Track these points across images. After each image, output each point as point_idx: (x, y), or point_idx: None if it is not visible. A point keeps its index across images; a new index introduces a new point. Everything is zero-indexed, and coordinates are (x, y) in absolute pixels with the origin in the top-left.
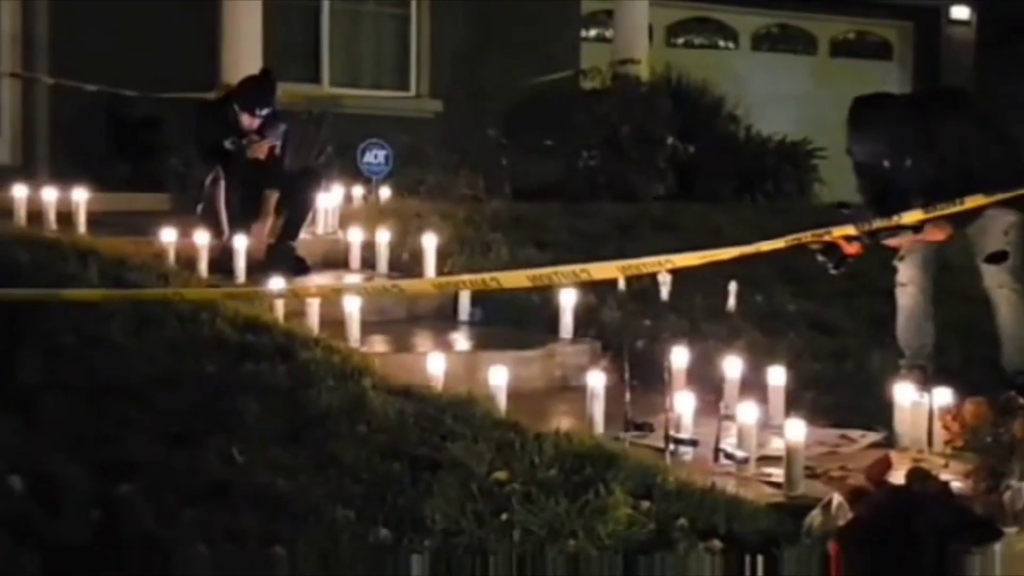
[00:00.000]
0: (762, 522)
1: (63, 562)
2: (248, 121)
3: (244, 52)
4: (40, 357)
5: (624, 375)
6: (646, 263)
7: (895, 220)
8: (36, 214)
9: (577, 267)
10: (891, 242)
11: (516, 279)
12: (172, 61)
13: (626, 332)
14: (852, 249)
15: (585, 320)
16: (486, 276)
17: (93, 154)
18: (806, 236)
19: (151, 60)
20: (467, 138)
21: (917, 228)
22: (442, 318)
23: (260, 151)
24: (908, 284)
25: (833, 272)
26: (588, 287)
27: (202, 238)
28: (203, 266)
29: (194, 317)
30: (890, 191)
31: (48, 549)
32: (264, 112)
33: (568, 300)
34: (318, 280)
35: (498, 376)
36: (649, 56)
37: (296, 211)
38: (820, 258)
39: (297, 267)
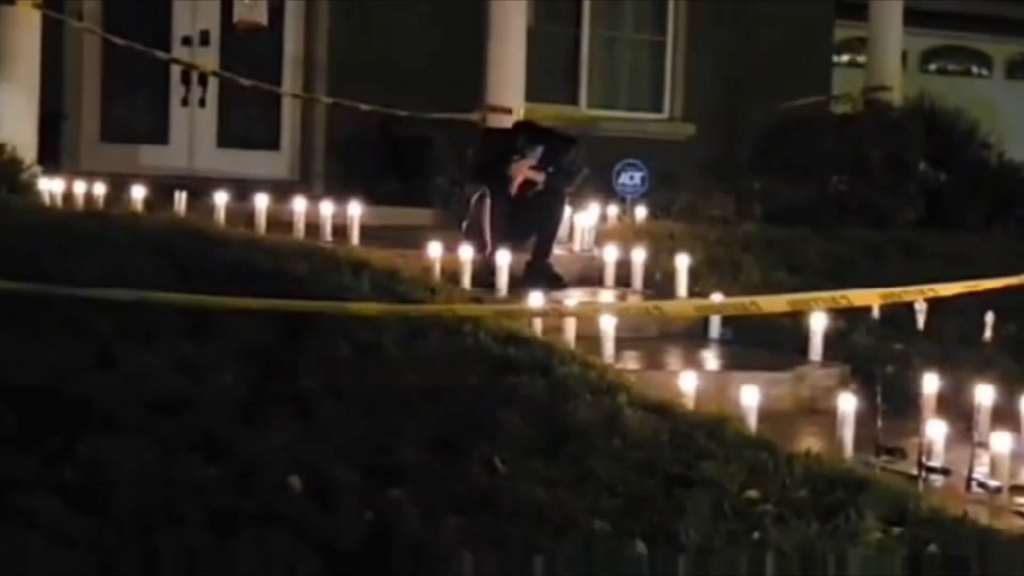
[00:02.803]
0: (1018, 555)
1: (340, 564)
2: (533, 159)
3: (508, 76)
4: (319, 364)
5: (875, 399)
6: (908, 291)
7: None
8: (313, 226)
9: (837, 293)
10: None
11: (776, 304)
12: (440, 84)
13: (877, 357)
14: None
15: (835, 343)
16: (746, 300)
17: (365, 170)
18: None
19: (420, 83)
20: (719, 160)
21: None
22: (693, 337)
23: (520, 172)
24: None
25: None
26: (839, 311)
27: (466, 253)
28: (466, 280)
29: (459, 329)
30: None
31: (324, 549)
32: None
33: (819, 323)
34: (575, 296)
35: (749, 396)
36: (902, 82)
37: (546, 228)
38: None
39: (555, 283)
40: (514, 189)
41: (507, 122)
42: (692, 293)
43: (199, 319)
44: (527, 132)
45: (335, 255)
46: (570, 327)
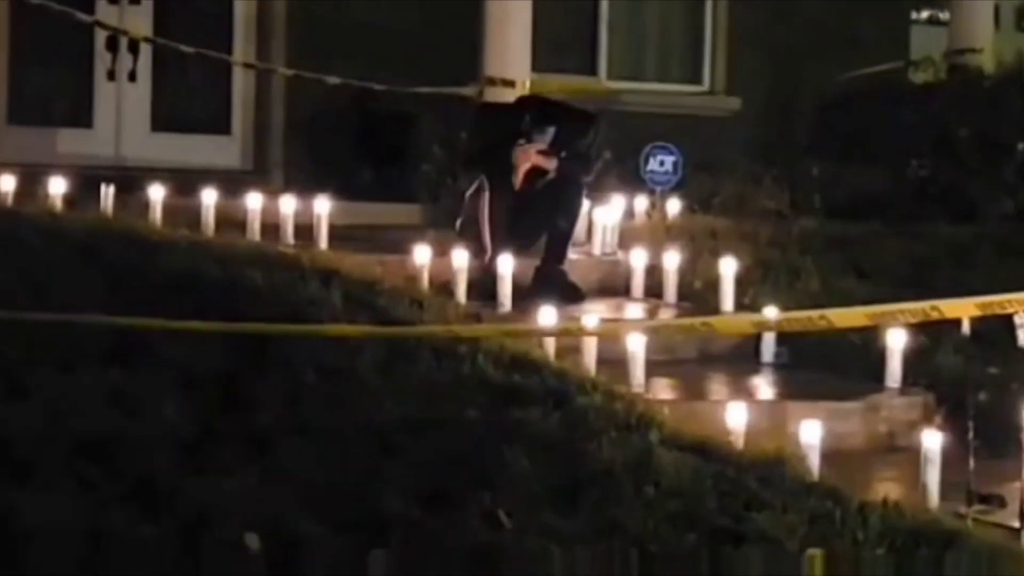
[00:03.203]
0: None
1: None
2: (545, 140)
3: (511, 41)
4: (279, 394)
5: (966, 434)
6: (1011, 300)
7: None
8: (271, 227)
9: (926, 304)
10: None
11: (851, 317)
12: (427, 50)
13: (968, 382)
14: None
15: (916, 366)
16: (814, 314)
17: (335, 157)
18: None
19: (403, 49)
20: (770, 141)
21: None
22: (741, 359)
23: (527, 156)
24: None
25: None
26: (919, 326)
27: (461, 258)
28: (461, 291)
29: (452, 352)
30: None
31: None
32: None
33: (896, 341)
34: (595, 310)
35: (811, 432)
36: (994, 44)
37: (560, 227)
38: None
39: (569, 294)
40: (519, 180)
41: (509, 97)
42: (739, 306)
43: (132, 340)
44: (535, 109)
45: (299, 262)
46: (590, 348)
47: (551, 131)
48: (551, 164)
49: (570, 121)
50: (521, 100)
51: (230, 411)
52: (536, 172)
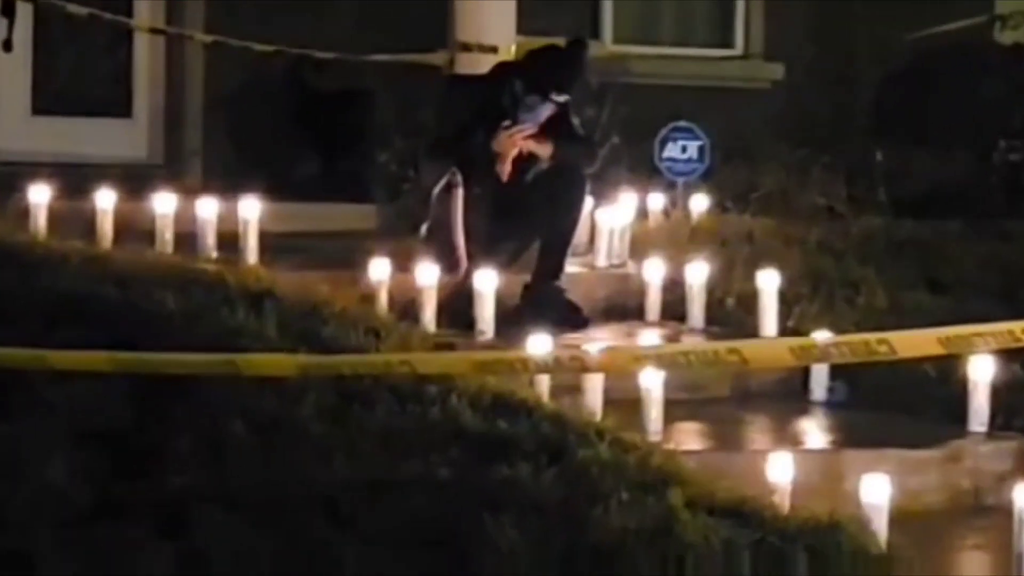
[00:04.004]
0: None
1: None
2: (534, 105)
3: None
4: (198, 451)
5: None
6: None
7: None
8: (186, 236)
9: (1017, 325)
10: None
11: (919, 342)
12: (384, 10)
13: None
14: None
15: (1008, 404)
16: (871, 338)
17: (267, 146)
18: None
19: (352, 7)
20: (821, 120)
21: None
22: (785, 397)
23: (513, 142)
24: None
25: None
26: (1010, 353)
27: (428, 273)
28: (429, 315)
29: (418, 393)
30: None
31: None
32: (564, 98)
33: (982, 373)
34: (600, 337)
35: (875, 489)
36: None
37: (555, 233)
38: None
39: (568, 317)
40: (505, 172)
41: (489, 66)
42: (784, 330)
43: (8, 382)
44: (522, 78)
45: (222, 281)
46: (594, 386)
47: (544, 108)
48: (545, 150)
49: (568, 90)
50: (502, 67)
51: (135, 473)
52: (525, 160)
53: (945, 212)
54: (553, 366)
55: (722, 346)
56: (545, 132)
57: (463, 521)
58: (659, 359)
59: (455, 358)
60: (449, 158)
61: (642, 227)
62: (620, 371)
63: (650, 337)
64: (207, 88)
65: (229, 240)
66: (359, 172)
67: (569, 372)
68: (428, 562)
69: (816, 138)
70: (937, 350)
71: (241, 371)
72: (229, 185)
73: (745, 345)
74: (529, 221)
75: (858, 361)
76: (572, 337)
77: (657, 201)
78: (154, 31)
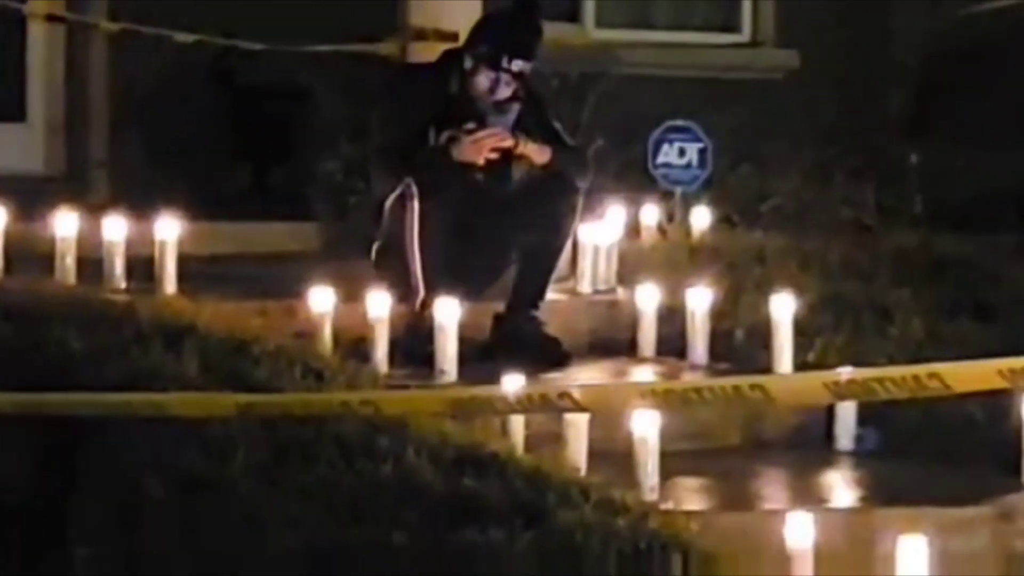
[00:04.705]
0: None
1: None
2: (489, 84)
3: None
4: (106, 518)
5: None
6: None
7: None
8: (91, 261)
9: None
10: None
11: (976, 376)
12: None
13: None
14: None
15: None
16: (919, 371)
17: (188, 155)
18: None
19: None
20: (845, 116)
21: None
22: (805, 445)
23: (475, 150)
24: None
25: None
26: None
27: (380, 303)
28: (380, 353)
29: (369, 447)
30: None
31: None
32: (520, 67)
33: None
34: (583, 377)
35: (914, 553)
36: None
37: (541, 253)
38: None
39: (546, 353)
40: (474, 168)
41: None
42: (803, 366)
43: None
44: (468, 52)
45: (134, 315)
46: (577, 434)
47: (515, 107)
48: (542, 156)
49: (526, 54)
50: (451, 52)
51: (28, 545)
52: (497, 165)
53: (994, 224)
54: (539, 404)
55: (743, 381)
56: (516, 132)
57: None
58: (667, 396)
59: (426, 397)
60: (401, 167)
61: (633, 246)
62: (618, 411)
63: (645, 375)
64: (115, 86)
65: (143, 266)
66: (297, 184)
67: (558, 411)
68: None
69: (839, 138)
70: (997, 384)
71: (169, 412)
72: (142, 201)
73: (770, 380)
74: (504, 240)
75: (899, 398)
76: (551, 377)
77: (651, 215)
78: (51, 18)
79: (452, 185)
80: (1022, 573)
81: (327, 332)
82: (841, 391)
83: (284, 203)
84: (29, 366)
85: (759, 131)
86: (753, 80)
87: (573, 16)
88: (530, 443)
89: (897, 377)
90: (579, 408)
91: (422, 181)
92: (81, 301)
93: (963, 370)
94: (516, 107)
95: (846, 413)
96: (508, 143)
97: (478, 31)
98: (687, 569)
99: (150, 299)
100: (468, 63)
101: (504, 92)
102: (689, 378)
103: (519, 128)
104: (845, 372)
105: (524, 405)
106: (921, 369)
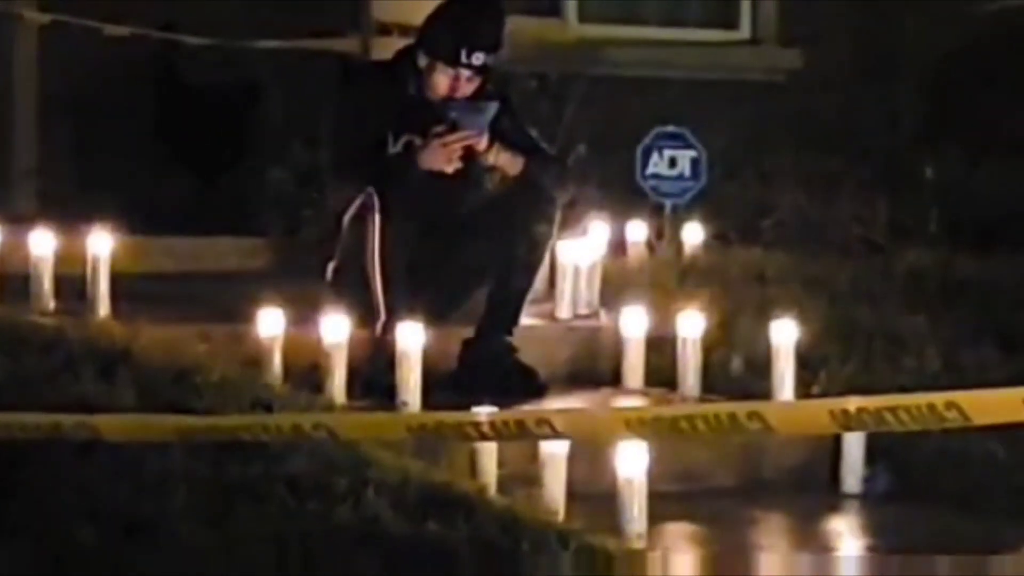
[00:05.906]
0: None
1: None
2: (448, 83)
3: None
4: (33, 567)
5: None
6: None
7: None
8: (16, 280)
9: None
10: None
11: (1000, 406)
12: None
13: None
14: None
15: None
16: (936, 399)
17: (123, 162)
18: None
19: None
20: (854, 122)
21: None
22: (808, 487)
23: (444, 156)
24: None
25: None
26: None
27: (337, 327)
28: (338, 382)
29: (322, 487)
30: None
31: None
32: (481, 60)
33: None
34: (562, 406)
35: None
36: None
37: (510, 277)
38: None
39: (521, 383)
40: (442, 178)
41: None
42: (804, 398)
43: None
44: (422, 47)
45: (63, 339)
46: (556, 474)
47: (492, 106)
48: (515, 165)
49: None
50: (407, 48)
51: None
52: (468, 174)
53: (1018, 243)
54: (514, 432)
55: (741, 408)
56: (490, 136)
57: None
58: (656, 425)
59: (385, 421)
60: (361, 176)
61: (619, 266)
62: (603, 439)
63: (630, 405)
64: (43, 86)
65: (73, 285)
66: (245, 194)
67: (535, 439)
68: None
69: (847, 146)
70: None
71: (102, 435)
72: (73, 214)
73: (770, 408)
74: (474, 258)
75: (913, 430)
76: (528, 406)
77: (638, 231)
78: None
79: (417, 197)
80: None
81: (277, 360)
82: (849, 421)
83: (230, 216)
84: None
85: (758, 139)
86: (753, 82)
87: (554, 10)
88: (503, 483)
89: (911, 406)
90: (559, 436)
91: (384, 192)
92: (5, 323)
93: (985, 399)
94: (493, 106)
95: (853, 450)
96: (481, 145)
97: (431, 23)
98: None
99: (81, 322)
100: (423, 61)
101: (466, 90)
102: (694, 405)
103: (495, 132)
104: (853, 400)
105: (497, 432)
106: (938, 397)
